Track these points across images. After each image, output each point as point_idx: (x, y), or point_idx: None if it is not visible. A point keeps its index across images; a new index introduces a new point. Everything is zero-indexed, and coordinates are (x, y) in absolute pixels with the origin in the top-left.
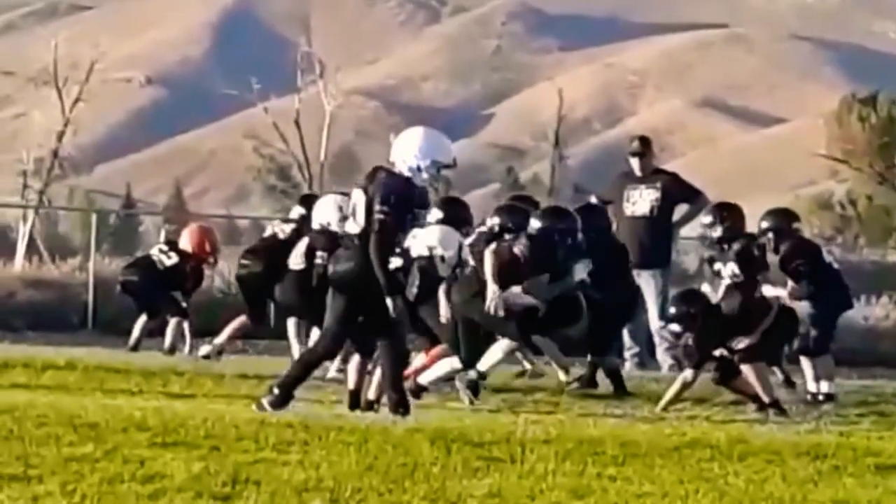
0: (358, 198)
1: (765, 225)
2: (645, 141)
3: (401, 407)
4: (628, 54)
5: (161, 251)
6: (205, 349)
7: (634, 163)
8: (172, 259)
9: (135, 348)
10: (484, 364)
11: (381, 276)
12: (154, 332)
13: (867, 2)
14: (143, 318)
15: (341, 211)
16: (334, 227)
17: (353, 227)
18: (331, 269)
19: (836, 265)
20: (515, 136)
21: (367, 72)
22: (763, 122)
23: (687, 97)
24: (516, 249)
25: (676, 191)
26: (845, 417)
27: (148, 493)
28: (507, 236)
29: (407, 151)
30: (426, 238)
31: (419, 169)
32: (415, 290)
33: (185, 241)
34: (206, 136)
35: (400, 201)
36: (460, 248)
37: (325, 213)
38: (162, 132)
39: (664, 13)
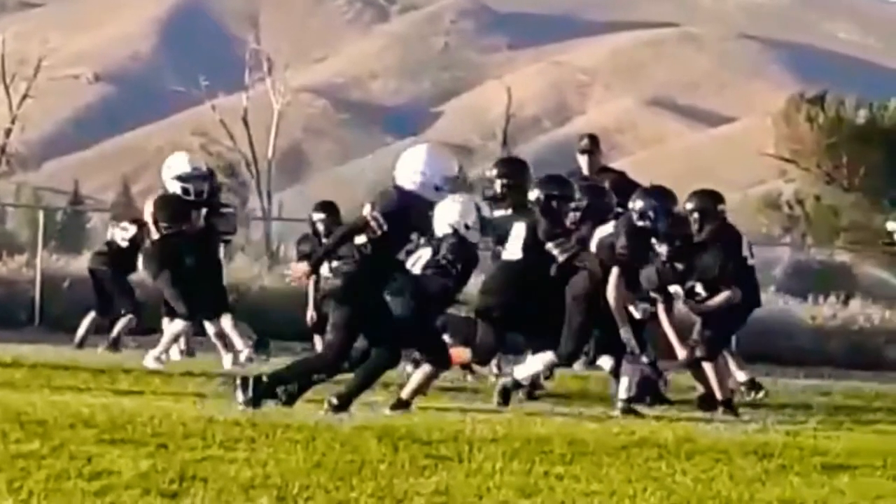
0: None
1: (689, 206)
2: (593, 139)
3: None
4: (578, 53)
5: (118, 227)
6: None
7: (583, 161)
8: (129, 231)
9: (80, 345)
10: (521, 372)
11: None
12: (101, 328)
13: (816, 1)
14: (90, 316)
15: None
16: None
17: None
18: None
19: (751, 260)
20: (464, 135)
21: (315, 69)
22: (712, 122)
23: (637, 96)
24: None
25: (624, 189)
26: (792, 417)
27: (95, 490)
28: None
29: (420, 169)
30: (444, 216)
31: (437, 188)
32: (454, 270)
33: (147, 212)
34: (155, 133)
35: (400, 217)
36: (477, 209)
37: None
38: (110, 129)
39: (614, 12)
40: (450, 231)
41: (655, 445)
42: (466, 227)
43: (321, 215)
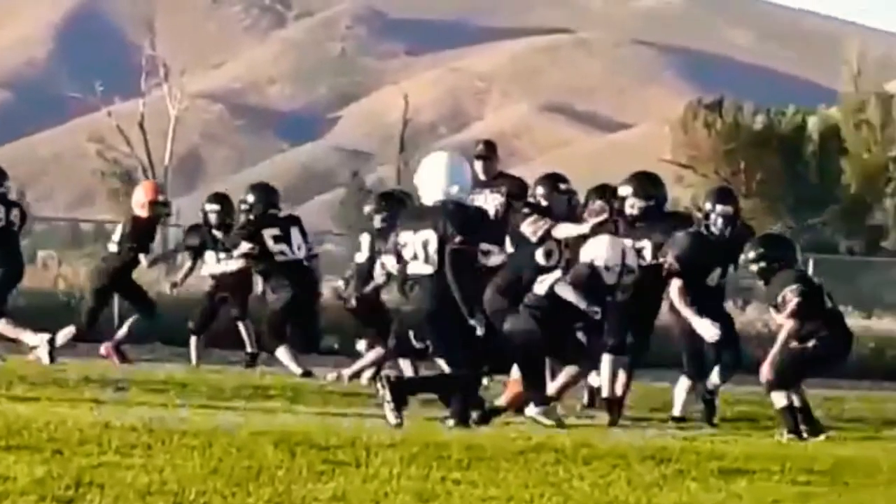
0: (429, 236)
1: (623, 192)
2: (490, 145)
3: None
4: (474, 59)
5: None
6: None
7: (479, 166)
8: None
9: None
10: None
11: (462, 301)
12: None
13: (711, 7)
14: None
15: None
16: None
17: (426, 267)
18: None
19: None
20: (361, 140)
21: (212, 75)
22: (609, 127)
23: (533, 102)
24: None
25: (520, 195)
26: (690, 422)
27: None
28: None
29: (456, 181)
30: (593, 250)
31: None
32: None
33: (138, 198)
34: (51, 139)
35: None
36: (623, 254)
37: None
38: (5, 135)
39: (510, 18)
40: (587, 262)
41: (553, 450)
42: (606, 268)
43: (215, 206)
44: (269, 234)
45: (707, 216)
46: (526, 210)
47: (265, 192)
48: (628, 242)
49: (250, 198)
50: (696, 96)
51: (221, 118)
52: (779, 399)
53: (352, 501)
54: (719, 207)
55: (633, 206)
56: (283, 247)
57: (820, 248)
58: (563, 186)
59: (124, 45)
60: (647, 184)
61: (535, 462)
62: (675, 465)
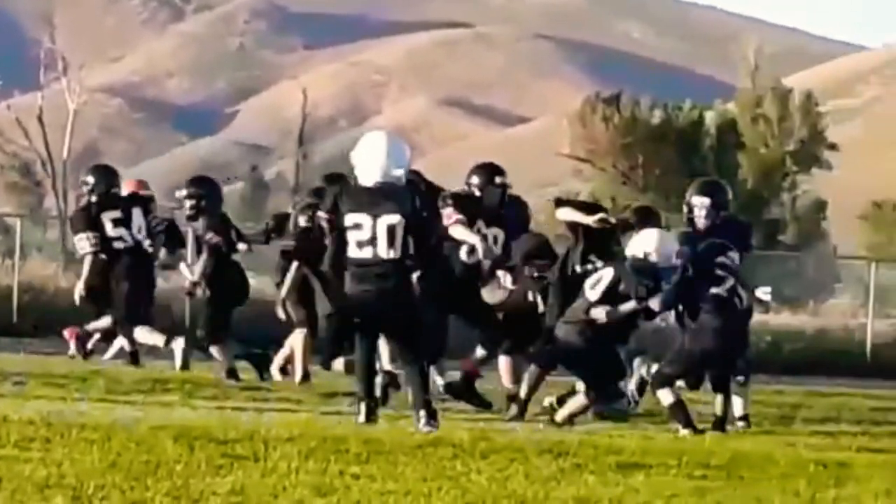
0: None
1: (498, 180)
2: None
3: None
4: (373, 53)
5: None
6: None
7: None
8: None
9: None
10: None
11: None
12: None
13: (610, 2)
14: None
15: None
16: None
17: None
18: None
19: None
20: (260, 134)
21: (111, 69)
22: (507, 121)
23: (432, 96)
24: None
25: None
26: (587, 416)
27: None
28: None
29: (399, 163)
30: (644, 243)
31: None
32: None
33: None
34: None
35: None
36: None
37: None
38: None
39: (410, 12)
40: (640, 256)
41: (451, 445)
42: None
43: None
44: (108, 217)
45: (690, 209)
46: (449, 200)
47: (105, 173)
48: None
49: (90, 179)
50: (595, 90)
51: (120, 112)
52: (665, 396)
53: (250, 495)
54: (696, 199)
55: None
56: (122, 231)
57: None
58: (497, 179)
59: (23, 38)
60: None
61: (433, 456)
62: (572, 458)
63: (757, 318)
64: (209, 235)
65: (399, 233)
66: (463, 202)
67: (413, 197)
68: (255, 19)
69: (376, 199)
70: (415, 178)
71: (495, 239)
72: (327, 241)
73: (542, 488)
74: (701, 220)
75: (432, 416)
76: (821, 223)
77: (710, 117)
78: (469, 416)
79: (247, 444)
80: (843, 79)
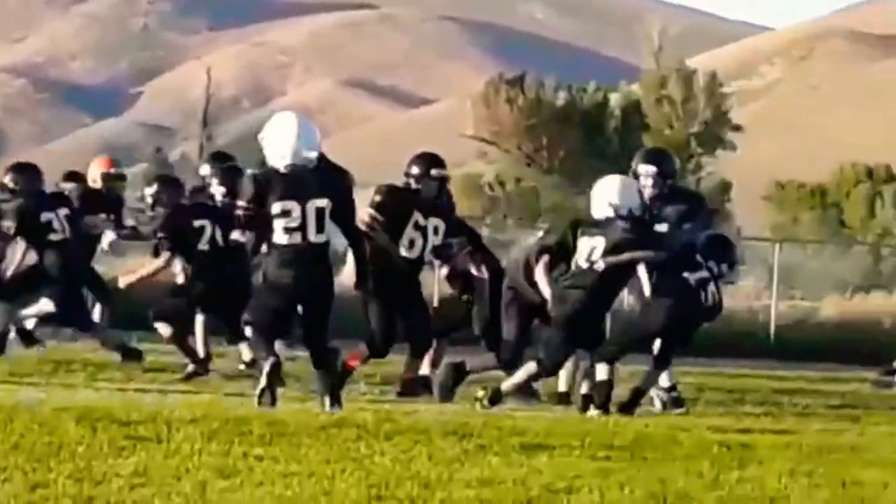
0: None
1: (434, 172)
2: None
3: None
4: (277, 34)
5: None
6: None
7: None
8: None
9: None
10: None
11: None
12: None
13: None
14: None
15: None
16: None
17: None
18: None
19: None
20: (164, 115)
21: (14, 49)
22: (411, 103)
23: (336, 77)
24: None
25: None
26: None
27: None
28: None
29: (311, 144)
30: (604, 195)
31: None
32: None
33: (94, 171)
34: None
35: None
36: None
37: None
38: None
39: None
40: (610, 214)
41: (355, 426)
42: (630, 211)
43: (70, 185)
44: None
45: (636, 177)
46: (377, 198)
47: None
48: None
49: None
50: (499, 72)
51: (24, 92)
52: (601, 371)
53: (153, 477)
54: (641, 168)
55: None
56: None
57: None
58: (434, 172)
59: None
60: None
61: (336, 438)
62: (476, 440)
63: None
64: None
65: (326, 216)
66: (395, 195)
67: (337, 179)
68: (158, 0)
69: (302, 184)
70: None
71: (435, 229)
72: (239, 234)
73: (445, 469)
74: (648, 189)
75: (336, 399)
76: (725, 204)
77: (614, 99)
78: (373, 398)
79: (150, 426)
80: (747, 60)
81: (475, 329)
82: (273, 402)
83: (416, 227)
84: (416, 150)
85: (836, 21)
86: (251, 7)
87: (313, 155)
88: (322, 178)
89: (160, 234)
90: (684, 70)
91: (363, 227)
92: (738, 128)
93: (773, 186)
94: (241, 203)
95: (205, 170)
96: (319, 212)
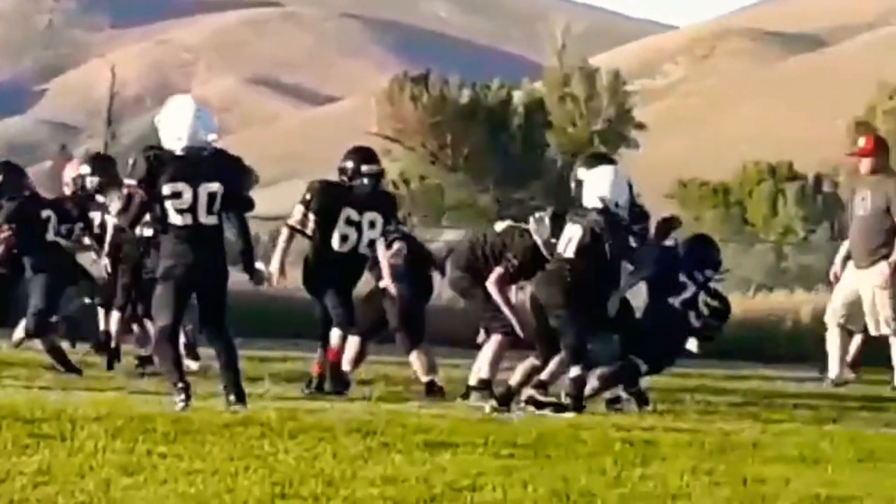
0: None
1: (365, 168)
2: None
3: None
4: (181, 31)
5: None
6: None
7: None
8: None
9: None
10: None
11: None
12: None
13: None
14: None
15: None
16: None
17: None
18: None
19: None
20: (68, 113)
21: None
22: (316, 100)
23: (240, 75)
24: None
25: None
26: (396, 394)
27: None
28: None
29: (211, 128)
30: (594, 187)
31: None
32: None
33: (67, 175)
34: None
35: None
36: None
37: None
38: None
39: None
40: (599, 205)
41: (259, 424)
42: (616, 204)
43: None
44: None
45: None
46: (307, 196)
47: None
48: None
49: None
50: (403, 70)
51: None
52: (575, 370)
53: (57, 475)
54: (580, 172)
55: None
56: None
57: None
58: (364, 168)
59: None
60: None
61: (241, 436)
62: (380, 437)
63: None
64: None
65: (218, 200)
66: (324, 191)
67: (230, 165)
68: None
69: (195, 167)
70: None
71: (372, 224)
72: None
73: (349, 467)
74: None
75: (241, 396)
76: None
77: (518, 96)
78: (277, 396)
79: (54, 424)
80: (650, 58)
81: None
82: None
83: (349, 222)
84: (321, 147)
85: (739, 20)
86: (155, 5)
87: (212, 137)
88: (216, 164)
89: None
90: (587, 68)
91: (293, 224)
92: (641, 126)
93: (676, 185)
94: (129, 182)
95: (84, 169)
96: (211, 196)
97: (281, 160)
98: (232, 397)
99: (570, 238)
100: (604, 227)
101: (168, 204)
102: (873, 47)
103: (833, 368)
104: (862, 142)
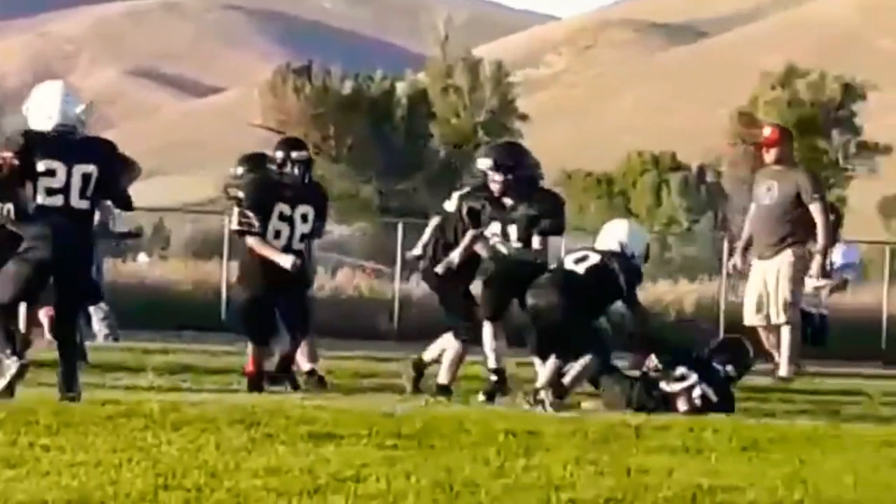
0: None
1: (295, 155)
2: None
3: None
4: (62, 23)
5: None
6: None
7: None
8: None
9: None
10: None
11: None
12: None
13: None
14: None
15: None
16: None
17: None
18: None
19: None
20: None
21: None
22: (198, 92)
23: (122, 67)
24: None
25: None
26: (284, 386)
27: None
28: None
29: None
30: (614, 233)
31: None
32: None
33: None
34: None
35: None
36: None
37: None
38: None
39: None
40: (617, 249)
41: (142, 416)
42: (633, 255)
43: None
44: None
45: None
46: (232, 191)
47: None
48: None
49: None
50: (286, 61)
51: None
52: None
53: None
54: (479, 162)
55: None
56: None
57: (411, 212)
58: (294, 155)
59: None
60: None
61: (124, 427)
62: (264, 429)
63: None
64: None
65: (92, 184)
66: (255, 188)
67: (103, 148)
68: None
69: (69, 147)
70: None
71: (304, 217)
72: None
73: (232, 459)
74: (493, 185)
75: (72, 387)
76: None
77: (401, 87)
78: (160, 388)
79: None
80: (533, 49)
81: None
82: (12, 394)
83: (282, 217)
84: (205, 139)
85: (621, 10)
86: None
87: (80, 109)
88: (90, 146)
89: None
90: (470, 59)
91: (237, 228)
92: (524, 117)
93: (559, 175)
94: (4, 154)
95: None
96: (86, 178)
97: (163, 151)
98: (65, 388)
99: (586, 257)
100: (618, 264)
101: (40, 183)
102: (754, 38)
103: (783, 366)
104: (767, 131)
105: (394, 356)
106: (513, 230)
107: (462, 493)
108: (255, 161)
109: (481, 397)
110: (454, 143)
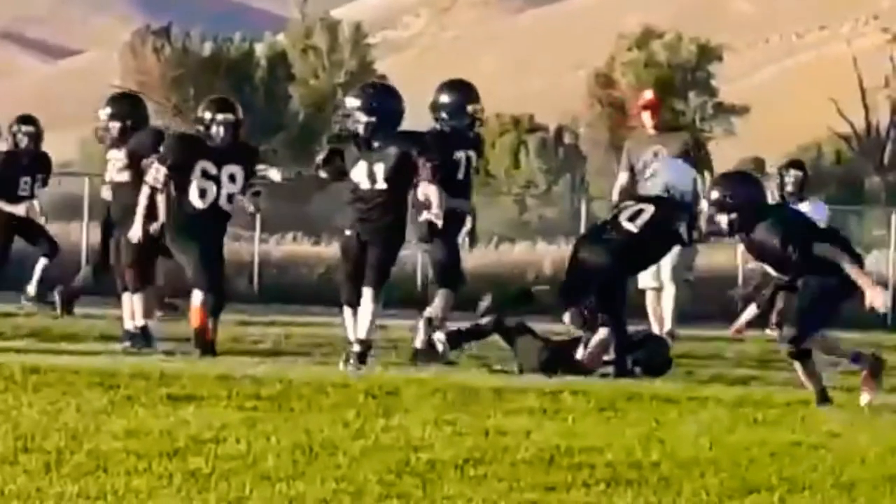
0: None
1: (221, 117)
2: None
3: None
4: None
5: None
6: None
7: None
8: None
9: None
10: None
11: None
12: None
13: None
14: None
15: None
16: None
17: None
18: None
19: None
20: None
21: None
22: (59, 54)
23: None
24: None
25: None
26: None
27: None
28: None
29: None
30: (661, 176)
31: None
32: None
33: None
34: None
35: None
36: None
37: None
38: None
39: None
40: (664, 194)
41: (2, 378)
42: (682, 195)
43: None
44: None
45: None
46: (161, 148)
47: None
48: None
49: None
50: (147, 23)
51: None
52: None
53: None
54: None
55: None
56: None
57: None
58: (220, 117)
59: None
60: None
61: None
62: (123, 391)
63: (310, 249)
64: None
65: None
66: (178, 145)
67: None
68: None
69: None
70: None
71: (232, 177)
72: None
73: (92, 421)
74: (358, 126)
75: None
76: None
77: (260, 49)
78: (21, 349)
79: None
80: (391, 10)
81: None
82: None
83: (206, 175)
84: (70, 100)
85: None
86: None
87: None
88: None
89: None
90: (329, 20)
91: (151, 183)
92: (382, 78)
93: None
94: None
95: None
96: None
97: (24, 112)
98: None
99: (640, 212)
100: (670, 211)
101: None
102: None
103: (669, 323)
104: (649, 94)
105: (254, 319)
106: (379, 170)
107: (321, 454)
108: (121, 101)
109: (341, 365)
110: (314, 105)
